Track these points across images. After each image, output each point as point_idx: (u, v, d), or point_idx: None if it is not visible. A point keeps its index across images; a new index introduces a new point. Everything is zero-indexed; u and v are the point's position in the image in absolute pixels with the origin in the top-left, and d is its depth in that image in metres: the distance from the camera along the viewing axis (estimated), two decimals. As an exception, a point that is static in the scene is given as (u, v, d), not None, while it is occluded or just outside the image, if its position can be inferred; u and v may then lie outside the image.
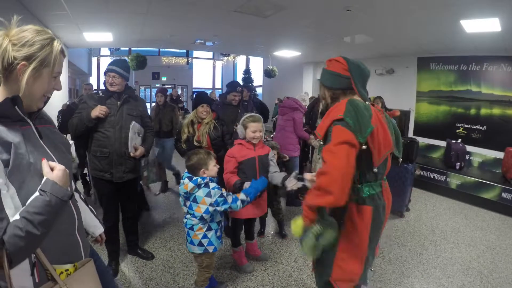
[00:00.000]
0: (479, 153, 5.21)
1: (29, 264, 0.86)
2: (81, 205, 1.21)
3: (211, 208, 1.90)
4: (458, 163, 4.78)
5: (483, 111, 5.27)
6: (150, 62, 7.63)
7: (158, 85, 13.60)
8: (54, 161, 0.93)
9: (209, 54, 16.33)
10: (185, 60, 15.33)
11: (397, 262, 2.78)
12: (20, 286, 0.84)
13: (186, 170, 2.02)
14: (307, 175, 1.57)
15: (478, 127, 5.36)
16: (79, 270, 0.99)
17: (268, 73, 7.99)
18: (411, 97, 6.36)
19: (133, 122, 2.34)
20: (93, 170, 2.38)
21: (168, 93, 5.74)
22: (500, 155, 4.90)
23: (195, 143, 2.82)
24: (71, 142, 2.74)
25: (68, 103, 4.69)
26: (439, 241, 3.21)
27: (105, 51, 13.20)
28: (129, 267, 2.59)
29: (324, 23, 4.40)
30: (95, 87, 5.52)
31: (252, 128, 2.34)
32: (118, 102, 2.32)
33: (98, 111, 2.20)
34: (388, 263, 2.76)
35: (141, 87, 14.60)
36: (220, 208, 1.92)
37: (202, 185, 1.91)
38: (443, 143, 5.76)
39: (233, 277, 2.49)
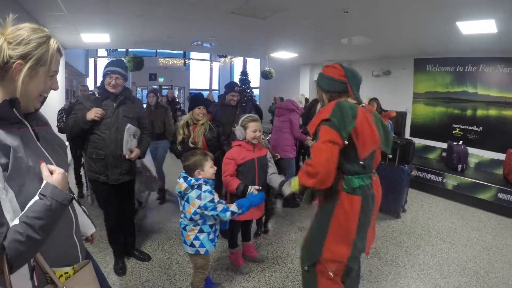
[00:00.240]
0: (476, 154, 5.24)
1: (28, 268, 0.85)
2: (77, 206, 1.20)
3: (199, 211, 1.89)
4: (460, 165, 4.77)
5: (480, 112, 5.30)
6: (147, 63, 7.63)
7: (155, 86, 13.58)
8: (52, 163, 0.92)
9: (206, 56, 16.37)
10: (182, 61, 15.34)
11: (393, 262, 2.78)
12: None
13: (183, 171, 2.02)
14: None
15: (475, 128, 5.39)
16: (78, 273, 0.98)
17: (265, 75, 8.01)
18: (408, 98, 6.38)
19: (128, 125, 2.30)
20: (89, 172, 2.36)
21: (163, 94, 5.63)
22: (496, 156, 4.94)
23: (191, 145, 2.81)
24: (67, 143, 2.72)
25: (72, 101, 4.61)
26: (435, 242, 3.22)
27: (102, 52, 13.18)
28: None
29: (322, 25, 4.41)
30: (91, 88, 5.47)
31: (252, 128, 2.33)
32: (114, 104, 2.29)
33: (94, 113, 2.16)
34: (384, 263, 2.76)
35: (138, 88, 14.58)
36: (208, 213, 1.87)
37: (195, 187, 1.90)
38: (439, 144, 5.80)
39: (230, 278, 2.49)
